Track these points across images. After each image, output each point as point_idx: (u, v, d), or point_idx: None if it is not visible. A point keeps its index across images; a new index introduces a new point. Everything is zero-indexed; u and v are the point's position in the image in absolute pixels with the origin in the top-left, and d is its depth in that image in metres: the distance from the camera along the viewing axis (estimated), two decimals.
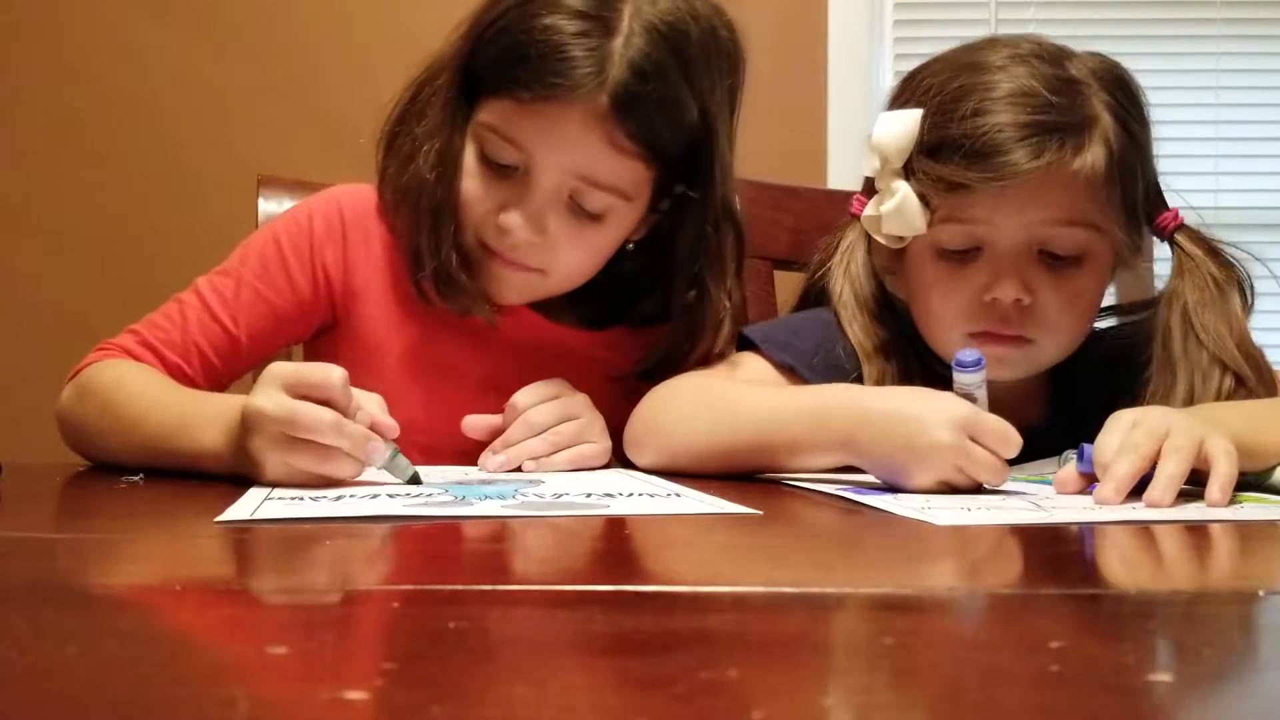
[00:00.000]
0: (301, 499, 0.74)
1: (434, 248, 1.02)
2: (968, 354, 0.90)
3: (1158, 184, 1.05)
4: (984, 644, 0.41)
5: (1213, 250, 1.03)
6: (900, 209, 1.00)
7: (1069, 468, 0.86)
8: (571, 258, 1.03)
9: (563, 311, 1.12)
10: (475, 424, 1.03)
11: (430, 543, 0.63)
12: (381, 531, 0.65)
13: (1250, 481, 0.86)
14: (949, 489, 0.84)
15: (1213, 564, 0.63)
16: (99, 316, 1.24)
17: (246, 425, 0.81)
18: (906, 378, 1.03)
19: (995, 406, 0.90)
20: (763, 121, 1.18)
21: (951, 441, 0.83)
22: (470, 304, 1.04)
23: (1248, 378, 1.01)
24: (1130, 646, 0.43)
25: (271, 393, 0.80)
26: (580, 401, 1.02)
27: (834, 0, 2.26)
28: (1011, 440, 0.84)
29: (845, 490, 0.83)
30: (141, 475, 0.90)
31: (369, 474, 0.84)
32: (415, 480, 0.83)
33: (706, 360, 1.08)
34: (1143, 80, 1.05)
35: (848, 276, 1.09)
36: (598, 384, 1.05)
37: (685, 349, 1.08)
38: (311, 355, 1.13)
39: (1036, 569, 0.58)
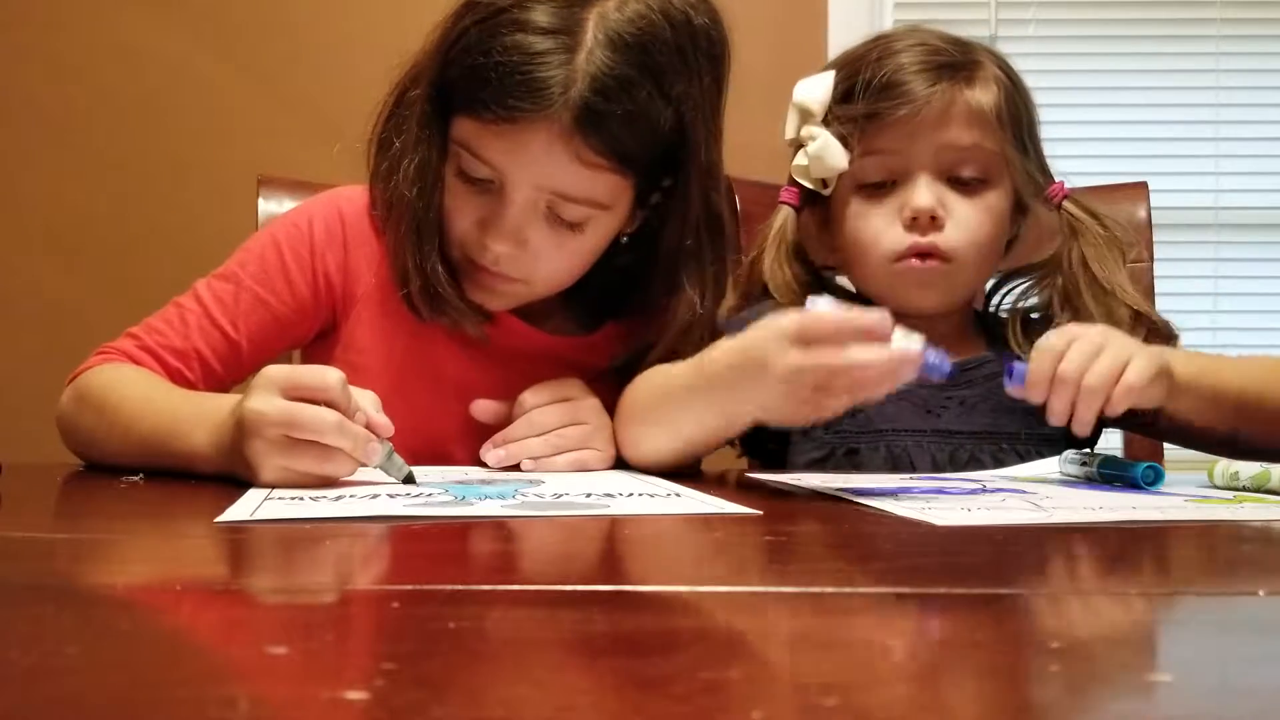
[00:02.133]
0: (301, 499, 0.74)
1: (419, 264, 1.02)
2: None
3: (1045, 161, 1.16)
4: (984, 644, 0.41)
5: (1094, 215, 1.13)
6: (822, 151, 1.11)
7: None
8: (553, 266, 1.03)
9: (554, 312, 1.11)
10: (484, 408, 1.03)
11: (430, 543, 0.63)
12: (381, 531, 0.65)
13: (1247, 488, 0.86)
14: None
15: (1213, 564, 0.63)
16: (99, 317, 1.24)
17: (243, 428, 0.81)
18: None
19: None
20: (762, 121, 1.18)
21: (788, 364, 0.79)
22: (459, 318, 1.04)
23: (1158, 323, 1.09)
24: (1130, 646, 0.43)
25: (268, 396, 0.80)
26: (590, 407, 1.02)
27: (834, 0, 2.27)
28: (854, 314, 0.78)
29: (845, 490, 0.83)
30: (141, 475, 0.90)
31: (366, 474, 0.84)
32: (410, 479, 0.83)
33: (670, 359, 1.04)
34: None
35: (778, 257, 1.15)
36: (590, 387, 1.05)
37: (653, 345, 1.06)
38: (308, 359, 1.12)
39: (1037, 569, 0.58)
